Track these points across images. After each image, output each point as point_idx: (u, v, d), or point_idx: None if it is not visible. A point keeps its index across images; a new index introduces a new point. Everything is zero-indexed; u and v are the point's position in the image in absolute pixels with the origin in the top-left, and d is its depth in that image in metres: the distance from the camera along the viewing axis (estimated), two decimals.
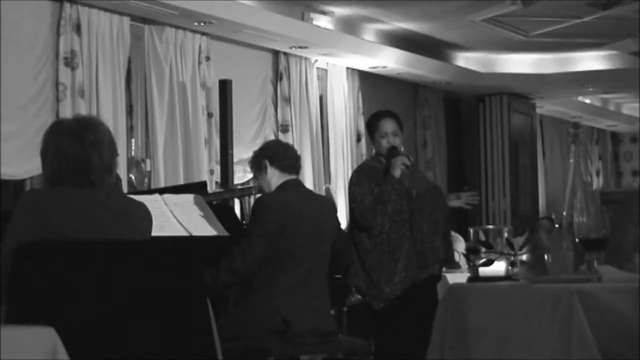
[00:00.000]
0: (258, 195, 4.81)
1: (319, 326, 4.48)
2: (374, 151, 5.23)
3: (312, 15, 8.37)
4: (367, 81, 9.68)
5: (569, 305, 2.97)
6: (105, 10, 6.85)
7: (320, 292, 4.58)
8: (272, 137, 8.50)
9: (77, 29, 6.64)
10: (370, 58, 9.16)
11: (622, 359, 2.99)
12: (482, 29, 9.22)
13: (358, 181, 5.05)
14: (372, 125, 5.15)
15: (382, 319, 4.93)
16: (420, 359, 3.67)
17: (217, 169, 7.63)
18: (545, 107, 12.49)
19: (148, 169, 7.38)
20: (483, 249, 3.84)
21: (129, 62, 7.17)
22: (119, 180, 5.13)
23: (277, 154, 4.63)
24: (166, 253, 2.96)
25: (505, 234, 4.05)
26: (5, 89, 6.15)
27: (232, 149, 7.49)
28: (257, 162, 4.67)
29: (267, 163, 4.62)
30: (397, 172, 4.95)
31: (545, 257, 3.42)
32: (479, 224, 10.14)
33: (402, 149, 5.14)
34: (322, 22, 8.52)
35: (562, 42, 9.89)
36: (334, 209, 4.85)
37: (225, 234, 4.48)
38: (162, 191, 4.76)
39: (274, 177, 4.61)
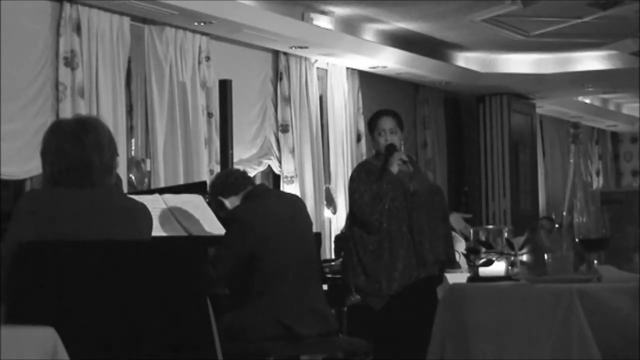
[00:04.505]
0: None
1: (321, 328, 4.48)
2: (374, 150, 5.23)
3: (312, 15, 8.37)
4: (367, 81, 9.68)
5: (569, 305, 2.97)
6: (105, 10, 6.85)
7: (316, 293, 4.57)
8: (272, 137, 8.52)
9: (77, 29, 6.64)
10: (370, 58, 9.16)
11: (622, 359, 2.99)
12: (482, 29, 9.22)
13: (357, 177, 5.05)
14: (372, 123, 5.16)
15: (381, 319, 4.92)
16: (420, 358, 3.67)
17: (217, 169, 7.62)
18: (545, 107, 12.49)
19: (148, 169, 7.37)
20: (483, 249, 3.84)
21: (129, 62, 7.17)
22: (119, 180, 5.14)
23: (225, 186, 4.61)
24: (166, 253, 2.96)
25: (505, 234, 4.05)
26: (5, 89, 6.15)
27: (232, 149, 7.49)
28: (217, 204, 4.64)
29: (222, 199, 4.61)
30: (394, 168, 4.93)
31: (545, 257, 3.42)
32: (479, 224, 10.14)
33: (402, 148, 5.13)
34: (322, 22, 8.52)
35: (562, 42, 9.89)
36: (304, 207, 4.84)
37: None
38: (162, 191, 4.76)
39: (235, 202, 4.59)
